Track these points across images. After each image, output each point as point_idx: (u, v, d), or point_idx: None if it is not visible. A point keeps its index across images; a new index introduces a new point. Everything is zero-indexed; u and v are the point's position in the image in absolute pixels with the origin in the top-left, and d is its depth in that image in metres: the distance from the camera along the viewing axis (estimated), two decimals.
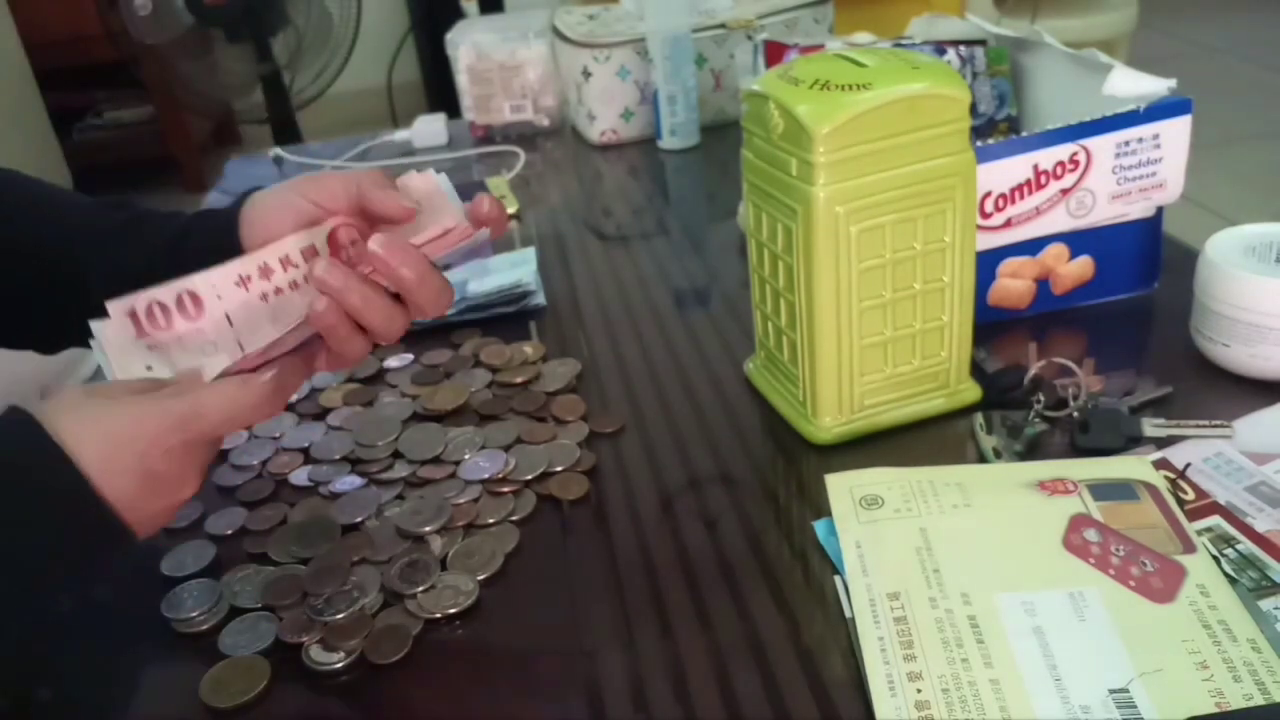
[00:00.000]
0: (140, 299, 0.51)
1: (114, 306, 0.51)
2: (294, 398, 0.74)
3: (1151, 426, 0.60)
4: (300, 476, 0.66)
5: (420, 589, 0.55)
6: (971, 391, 0.65)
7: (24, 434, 0.44)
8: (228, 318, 0.52)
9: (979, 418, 0.64)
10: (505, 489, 0.62)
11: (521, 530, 0.59)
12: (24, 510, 0.44)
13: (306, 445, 0.69)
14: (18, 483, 0.44)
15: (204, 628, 0.54)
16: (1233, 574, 0.49)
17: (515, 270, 0.87)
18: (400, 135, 1.30)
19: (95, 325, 0.51)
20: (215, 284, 0.52)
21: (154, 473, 0.46)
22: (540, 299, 0.85)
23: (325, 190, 0.54)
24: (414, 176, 0.54)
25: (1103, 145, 0.68)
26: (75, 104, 3.05)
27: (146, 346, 0.51)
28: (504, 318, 0.83)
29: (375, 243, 0.50)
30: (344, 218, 0.54)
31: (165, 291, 0.51)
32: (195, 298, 0.51)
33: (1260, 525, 0.52)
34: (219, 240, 0.55)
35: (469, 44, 1.25)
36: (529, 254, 0.91)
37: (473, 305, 0.83)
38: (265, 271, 0.52)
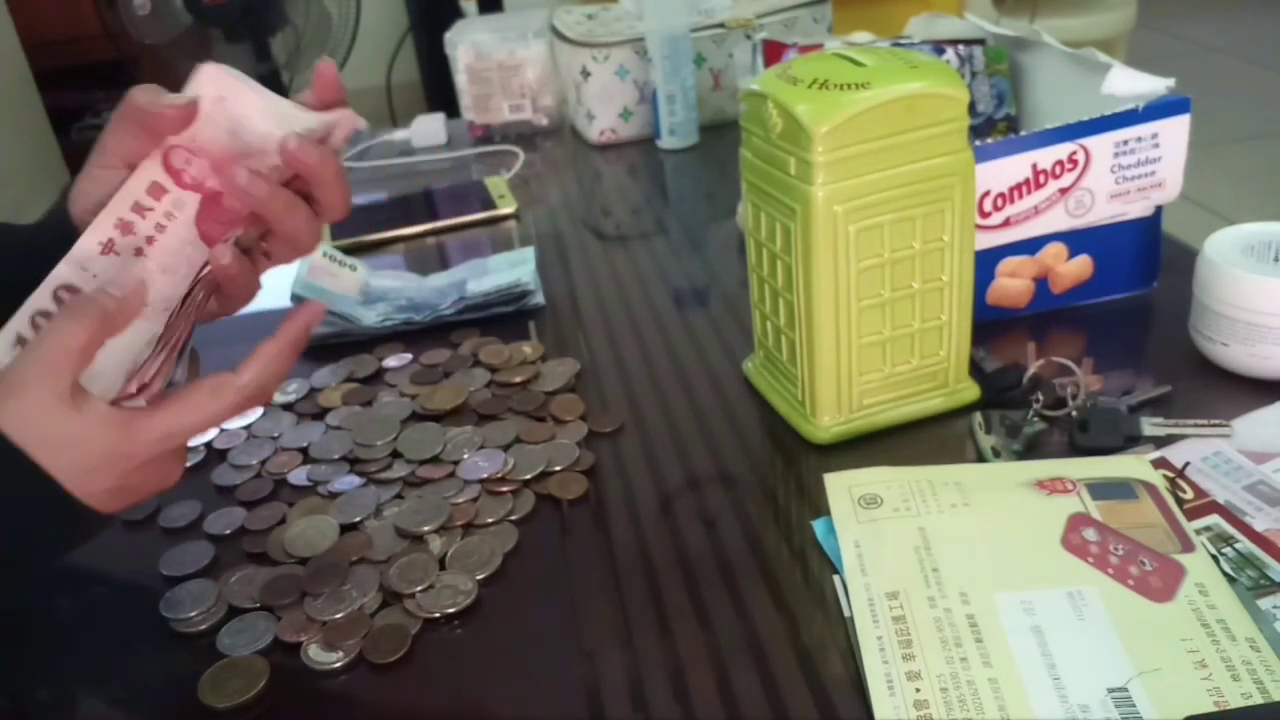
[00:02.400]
0: (20, 320, 0.47)
1: None
2: (293, 398, 0.74)
3: (1150, 426, 0.60)
4: (299, 476, 0.66)
5: (419, 588, 0.55)
6: (970, 391, 0.65)
7: None
8: (113, 288, 0.47)
9: (978, 417, 0.64)
10: (504, 488, 0.62)
11: (520, 530, 0.59)
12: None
13: (305, 445, 0.69)
14: None
15: (202, 627, 0.54)
16: (1231, 573, 0.49)
17: (514, 270, 0.87)
18: (399, 135, 1.30)
19: None
20: (83, 263, 0.47)
21: (130, 487, 0.46)
22: (539, 299, 0.85)
23: (121, 146, 0.48)
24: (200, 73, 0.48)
25: (1101, 144, 0.68)
26: (74, 104, 3.05)
27: None
28: (503, 317, 0.83)
29: (291, 144, 0.47)
30: (166, 143, 0.48)
31: (39, 298, 0.47)
32: (71, 289, 0.47)
33: (1259, 524, 0.52)
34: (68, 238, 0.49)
35: (468, 43, 1.25)
36: (528, 254, 0.91)
37: (471, 305, 0.83)
38: (125, 227, 0.47)
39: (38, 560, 0.49)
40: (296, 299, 0.82)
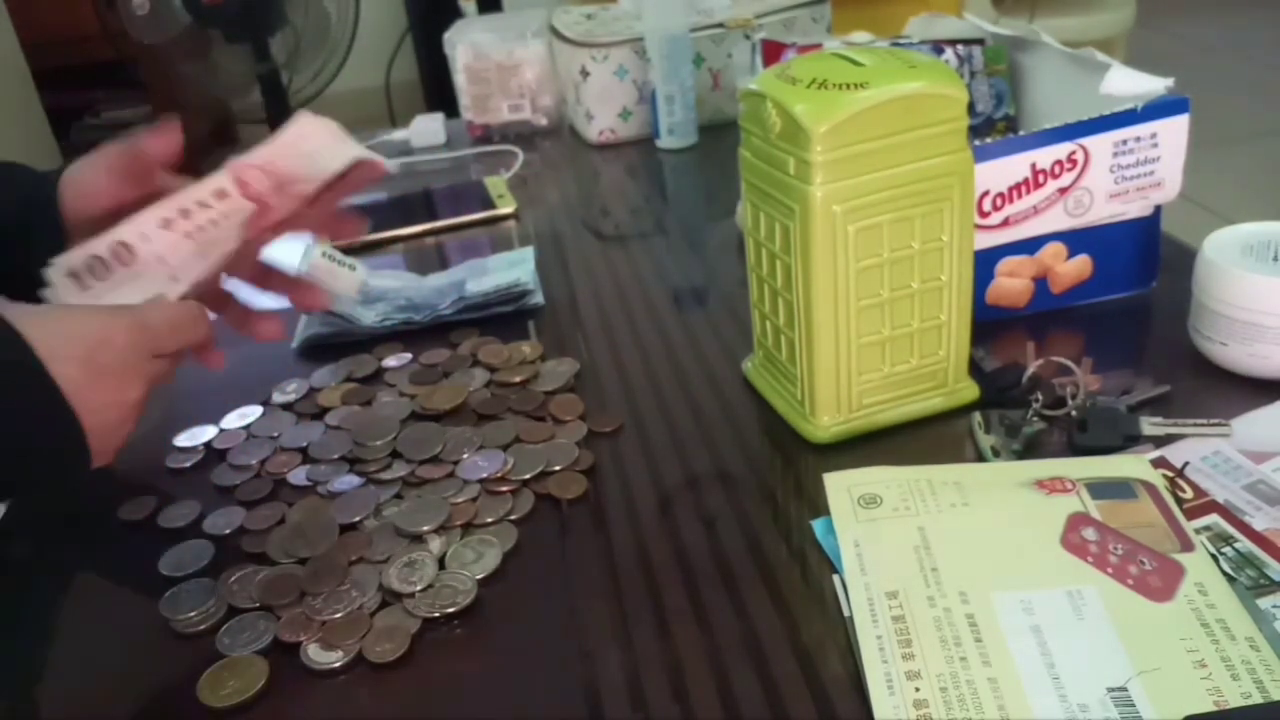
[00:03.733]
0: (77, 257, 0.57)
1: (54, 272, 0.56)
2: (293, 398, 0.74)
3: (1150, 425, 0.60)
4: (299, 476, 0.66)
5: (418, 588, 0.55)
6: (969, 390, 0.65)
7: None
8: (159, 258, 0.58)
9: (977, 416, 0.64)
10: (503, 488, 0.62)
11: (520, 530, 0.59)
12: None
13: (305, 445, 0.69)
14: None
15: (202, 627, 0.54)
16: (1231, 572, 0.49)
17: (513, 270, 0.87)
18: (398, 135, 1.30)
19: (46, 293, 0.56)
20: (143, 231, 0.58)
21: (100, 365, 0.49)
22: (538, 298, 0.85)
23: (113, 189, 0.60)
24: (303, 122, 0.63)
25: (1100, 144, 0.68)
26: (73, 104, 3.05)
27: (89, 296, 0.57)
28: (502, 317, 0.83)
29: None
30: (245, 163, 0.61)
31: (98, 245, 0.57)
32: (127, 246, 0.57)
33: (1258, 524, 0.53)
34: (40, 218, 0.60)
35: (467, 43, 1.25)
36: (527, 253, 0.91)
37: (471, 305, 0.83)
38: (185, 213, 0.59)
39: (29, 484, 0.54)
40: None
